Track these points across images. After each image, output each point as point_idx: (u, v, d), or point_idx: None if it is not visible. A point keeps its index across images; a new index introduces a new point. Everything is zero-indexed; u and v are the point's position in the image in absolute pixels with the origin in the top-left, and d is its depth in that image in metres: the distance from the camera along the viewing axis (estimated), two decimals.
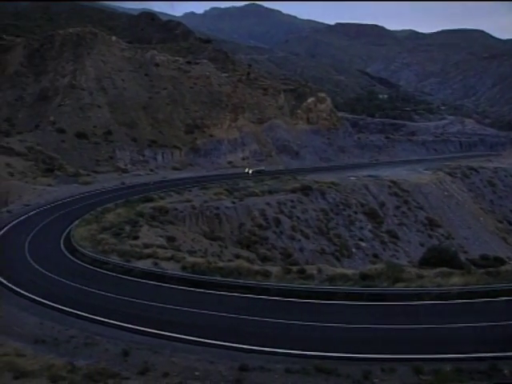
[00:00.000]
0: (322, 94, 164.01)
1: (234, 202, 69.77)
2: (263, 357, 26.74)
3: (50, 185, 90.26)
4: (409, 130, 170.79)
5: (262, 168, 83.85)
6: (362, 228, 62.93)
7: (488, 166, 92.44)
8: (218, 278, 39.38)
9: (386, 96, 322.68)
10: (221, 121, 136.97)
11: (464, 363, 25.45)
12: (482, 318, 30.68)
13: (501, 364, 25.17)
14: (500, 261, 47.89)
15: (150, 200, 73.04)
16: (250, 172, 76.48)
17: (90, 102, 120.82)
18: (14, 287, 41.51)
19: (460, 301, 33.82)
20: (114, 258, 46.61)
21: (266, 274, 40.38)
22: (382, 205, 68.04)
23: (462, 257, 50.92)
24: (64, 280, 42.79)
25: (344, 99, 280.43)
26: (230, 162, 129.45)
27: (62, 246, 55.92)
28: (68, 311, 35.02)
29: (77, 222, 64.20)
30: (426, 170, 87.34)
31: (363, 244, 60.02)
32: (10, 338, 31.05)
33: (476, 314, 31.72)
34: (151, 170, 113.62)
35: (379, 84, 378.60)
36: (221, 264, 44.08)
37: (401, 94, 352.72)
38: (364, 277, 38.05)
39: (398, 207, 68.63)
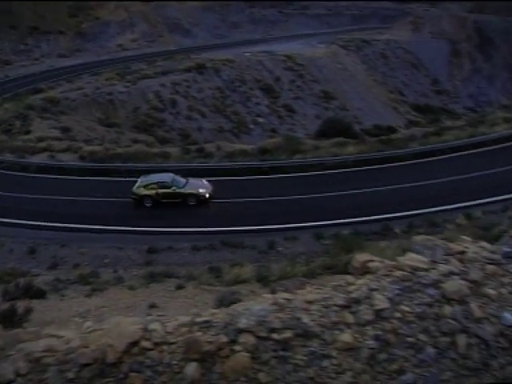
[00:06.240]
0: None
1: (127, 86, 66.99)
2: (171, 237, 27.13)
3: None
4: (302, 3, 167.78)
5: None
6: (258, 104, 62.74)
7: (380, 39, 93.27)
8: (119, 164, 38.43)
9: None
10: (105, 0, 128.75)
11: (360, 226, 26.97)
12: (378, 183, 32.27)
13: (392, 224, 26.92)
14: (392, 129, 49.60)
15: (39, 91, 68.56)
16: None
17: None
18: None
19: (355, 168, 35.27)
20: (8, 156, 43.93)
21: (166, 156, 39.98)
22: (278, 79, 67.66)
23: (357, 127, 52.27)
24: None
25: None
26: (119, 45, 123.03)
27: None
28: None
29: None
30: (320, 43, 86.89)
31: (260, 119, 60.11)
32: None
33: (373, 179, 33.22)
34: (36, 60, 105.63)
35: None
36: (119, 150, 42.91)
37: None
38: (263, 151, 38.44)
39: (293, 81, 68.46)
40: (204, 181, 32.33)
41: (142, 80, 67.95)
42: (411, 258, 6.89)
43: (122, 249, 26.32)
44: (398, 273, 6.65)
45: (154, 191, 30.81)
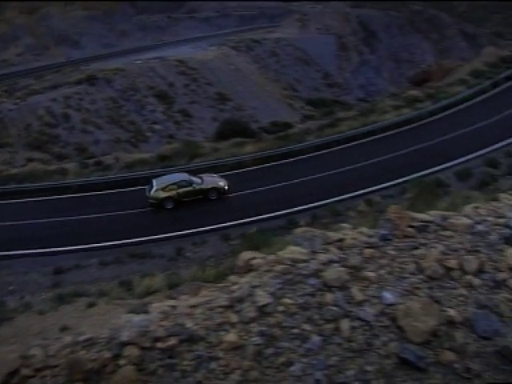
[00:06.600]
0: None
1: (16, 103, 64.49)
2: (77, 255, 26.15)
3: None
4: (190, 6, 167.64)
5: None
6: (153, 111, 61.75)
7: (270, 37, 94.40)
8: (13, 186, 36.71)
9: None
10: None
11: (266, 222, 27.38)
12: (280, 179, 32.81)
13: (297, 217, 27.48)
14: (288, 125, 50.42)
15: None
16: None
17: None
18: None
19: (256, 167, 35.64)
20: None
21: (63, 173, 38.66)
22: (171, 85, 67.02)
23: (254, 126, 52.69)
24: None
25: None
26: (4, 60, 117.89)
27: None
28: None
29: None
30: (211, 46, 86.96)
31: (157, 126, 59.31)
32: None
33: (274, 176, 33.72)
34: None
35: None
36: (14, 171, 41.17)
37: None
38: (162, 158, 38.10)
39: (187, 85, 68.04)
40: (215, 175, 32.94)
41: (31, 96, 65.40)
42: (291, 251, 7.03)
43: (27, 273, 25.20)
44: (279, 267, 6.76)
45: (174, 192, 30.34)
